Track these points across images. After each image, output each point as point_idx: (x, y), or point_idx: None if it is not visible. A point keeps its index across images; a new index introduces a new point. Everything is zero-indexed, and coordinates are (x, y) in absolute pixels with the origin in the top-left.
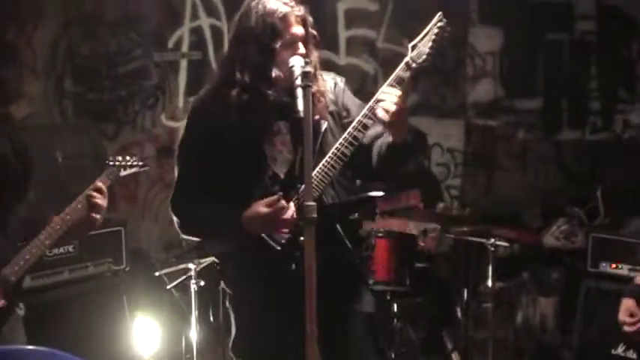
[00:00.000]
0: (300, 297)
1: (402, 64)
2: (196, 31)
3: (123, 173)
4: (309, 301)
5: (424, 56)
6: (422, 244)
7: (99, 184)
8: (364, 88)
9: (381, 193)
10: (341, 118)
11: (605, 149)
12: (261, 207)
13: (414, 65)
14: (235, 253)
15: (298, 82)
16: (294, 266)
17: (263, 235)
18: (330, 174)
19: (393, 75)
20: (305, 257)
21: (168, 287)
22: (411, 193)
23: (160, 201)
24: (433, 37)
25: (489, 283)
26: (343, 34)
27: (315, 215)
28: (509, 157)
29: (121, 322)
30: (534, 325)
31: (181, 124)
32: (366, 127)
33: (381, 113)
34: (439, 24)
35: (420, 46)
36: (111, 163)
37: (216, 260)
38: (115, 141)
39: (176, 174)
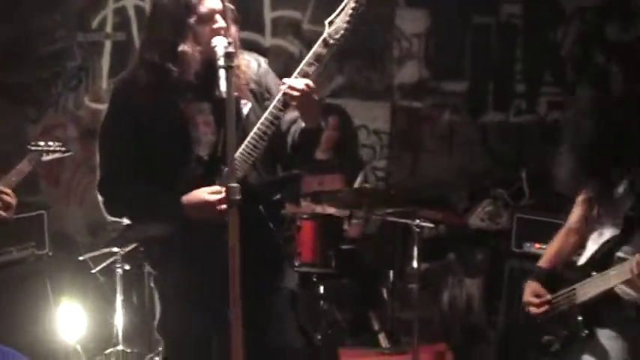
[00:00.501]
0: (227, 277)
1: (319, 41)
2: (120, 12)
3: (45, 158)
4: (232, 283)
5: (341, 31)
6: (347, 228)
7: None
8: (290, 69)
9: (301, 172)
10: (264, 100)
11: (529, 131)
12: (206, 194)
13: (331, 42)
14: (164, 235)
15: (221, 62)
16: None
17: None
18: (254, 154)
19: (311, 52)
20: (229, 239)
21: (92, 271)
22: (335, 176)
23: (85, 184)
24: (350, 11)
25: (415, 264)
26: (269, 15)
27: (238, 197)
28: (434, 139)
29: (45, 307)
30: (460, 305)
31: (105, 106)
32: (286, 104)
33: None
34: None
35: (337, 22)
36: (33, 147)
37: (141, 242)
38: (38, 124)
39: (99, 156)
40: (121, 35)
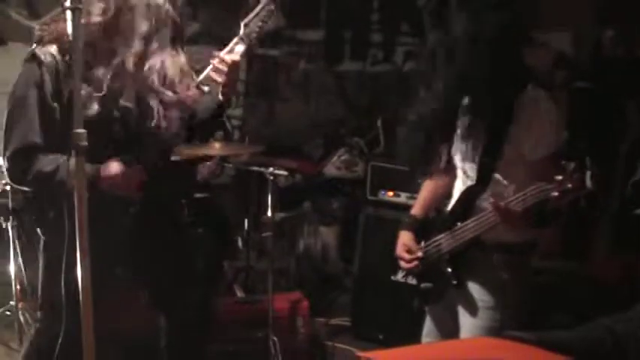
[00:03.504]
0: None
1: (235, 39)
2: None
3: None
4: (80, 241)
5: (254, 34)
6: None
7: None
8: None
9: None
10: None
11: (385, 81)
12: (118, 166)
13: (248, 41)
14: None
15: (67, 3)
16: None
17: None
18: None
19: (227, 48)
20: (75, 189)
21: None
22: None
23: None
24: (262, 17)
25: (269, 213)
26: None
27: (85, 143)
28: (290, 88)
29: None
30: (316, 254)
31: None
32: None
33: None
34: (268, 7)
35: (251, 25)
36: None
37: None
38: None
39: (8, 123)
40: None
